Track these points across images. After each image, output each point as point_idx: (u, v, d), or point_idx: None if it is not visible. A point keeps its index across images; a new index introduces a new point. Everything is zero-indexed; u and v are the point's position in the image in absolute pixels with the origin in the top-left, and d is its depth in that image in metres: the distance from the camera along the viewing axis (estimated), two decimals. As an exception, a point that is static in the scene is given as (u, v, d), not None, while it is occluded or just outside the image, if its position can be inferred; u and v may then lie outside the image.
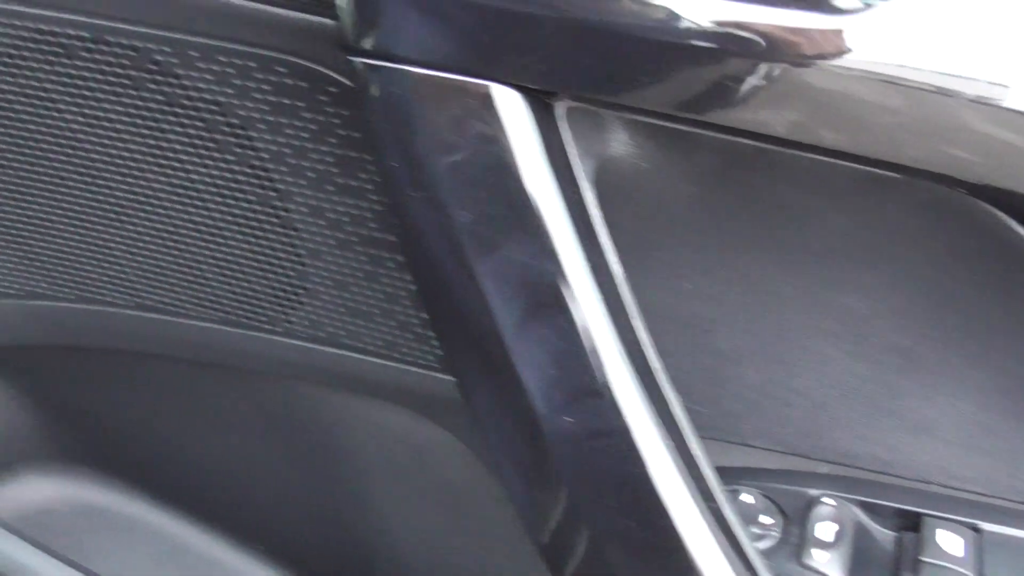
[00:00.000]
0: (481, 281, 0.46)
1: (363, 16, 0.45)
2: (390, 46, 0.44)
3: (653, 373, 0.47)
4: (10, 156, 0.69)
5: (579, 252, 0.45)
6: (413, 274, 0.51)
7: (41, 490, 0.92)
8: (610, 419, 0.45)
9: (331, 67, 0.55)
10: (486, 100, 0.44)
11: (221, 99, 0.61)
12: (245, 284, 0.69)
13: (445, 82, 0.44)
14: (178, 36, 0.59)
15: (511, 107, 0.44)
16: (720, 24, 0.43)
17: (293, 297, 0.69)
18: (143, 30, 0.59)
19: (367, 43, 0.45)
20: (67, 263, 0.74)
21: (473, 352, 0.48)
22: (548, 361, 0.46)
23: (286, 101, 0.59)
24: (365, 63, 0.45)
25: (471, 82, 0.43)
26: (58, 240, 0.73)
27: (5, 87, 0.65)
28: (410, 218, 0.46)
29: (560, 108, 0.45)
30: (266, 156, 0.62)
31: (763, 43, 0.42)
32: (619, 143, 0.49)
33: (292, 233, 0.65)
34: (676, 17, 0.43)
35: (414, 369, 0.67)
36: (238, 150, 0.63)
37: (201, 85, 0.61)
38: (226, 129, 0.62)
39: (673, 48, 0.42)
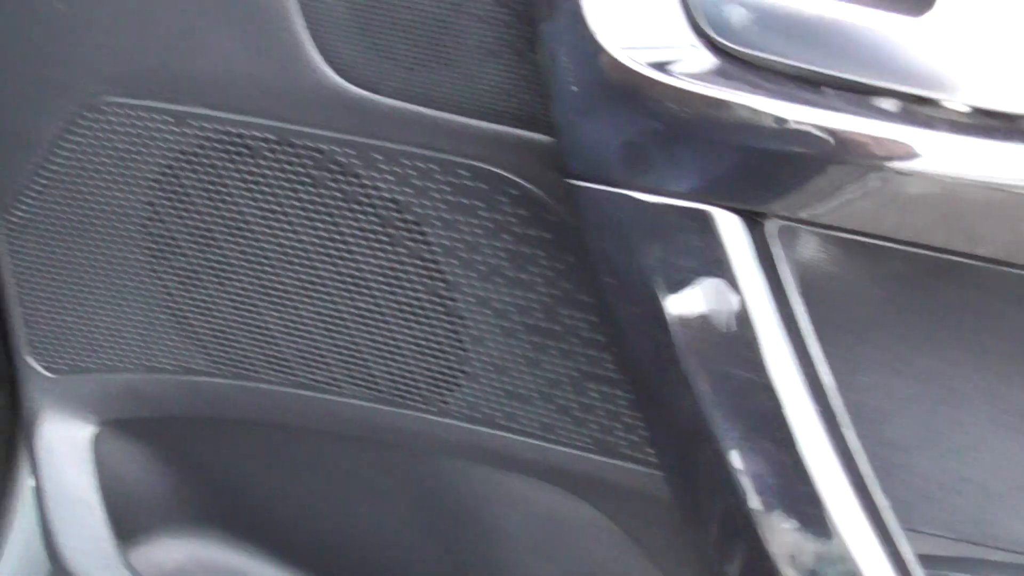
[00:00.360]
0: (698, 390, 0.48)
1: (584, 143, 0.48)
2: (611, 172, 0.47)
3: (865, 481, 0.49)
4: (182, 242, 0.73)
5: (794, 365, 0.47)
6: (626, 375, 0.54)
7: (178, 552, 0.95)
8: (827, 527, 0.47)
9: (517, 173, 0.58)
10: (705, 222, 0.47)
11: (399, 197, 0.64)
12: (403, 366, 0.72)
13: (664, 206, 0.47)
14: (364, 140, 0.62)
15: (728, 228, 0.47)
16: (910, 153, 0.45)
17: (451, 379, 0.71)
18: (329, 134, 0.63)
19: (587, 168, 0.48)
20: (227, 342, 0.77)
21: (687, 453, 0.50)
22: (765, 469, 0.48)
23: (464, 201, 0.62)
24: (584, 186, 0.48)
25: (690, 206, 0.46)
26: (220, 320, 0.76)
27: (186, 182, 0.69)
28: (627, 330, 0.49)
29: (771, 226, 0.47)
30: (438, 250, 0.65)
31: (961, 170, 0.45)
32: (810, 249, 0.51)
33: (456, 320, 0.68)
34: (878, 150, 0.45)
35: (569, 450, 0.70)
36: (410, 244, 0.66)
37: (380, 184, 0.64)
38: (400, 224, 0.65)
39: (883, 176, 0.45)
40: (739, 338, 0.47)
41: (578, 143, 0.48)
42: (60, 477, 0.85)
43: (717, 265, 0.47)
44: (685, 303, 0.48)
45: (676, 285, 0.48)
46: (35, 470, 0.86)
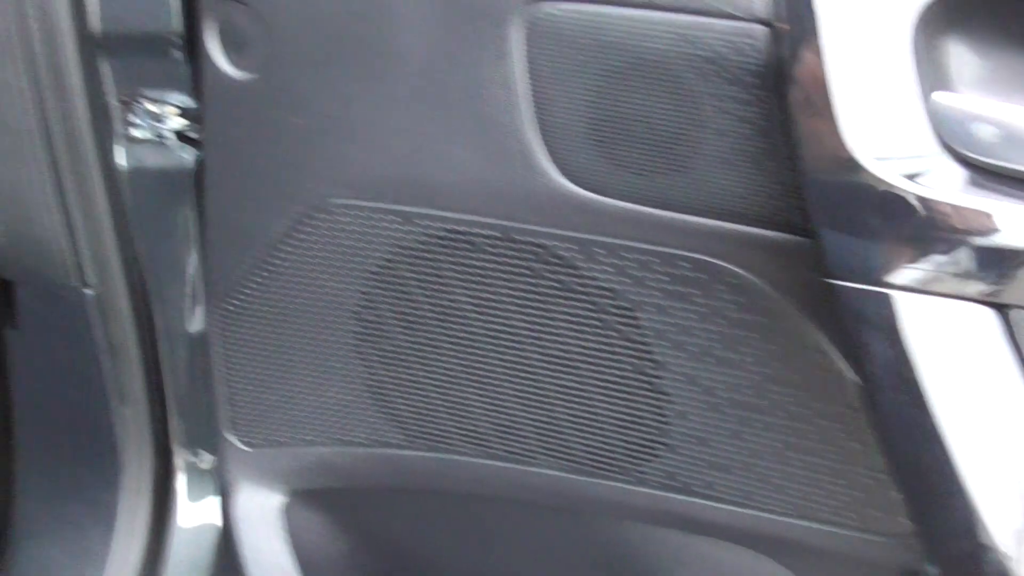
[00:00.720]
0: (960, 468, 0.53)
1: (843, 247, 0.53)
2: (870, 273, 0.52)
3: None
4: (392, 327, 0.78)
5: None
6: (887, 454, 0.58)
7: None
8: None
9: (739, 264, 0.63)
10: (959, 315, 0.52)
11: (616, 286, 0.69)
12: (602, 438, 0.77)
13: (921, 302, 0.51)
14: (586, 236, 0.67)
15: (981, 320, 0.52)
16: None
17: (650, 451, 0.75)
18: (553, 231, 0.68)
19: (846, 269, 0.53)
20: (425, 417, 0.82)
21: (949, 524, 0.55)
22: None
23: (681, 289, 0.67)
24: (843, 286, 0.53)
25: (945, 302, 0.51)
26: (420, 397, 0.81)
27: (405, 273, 0.74)
28: (891, 414, 0.54)
29: (1016, 315, 0.52)
30: (649, 333, 0.70)
31: None
32: None
33: (661, 396, 0.73)
34: None
35: (766, 515, 0.74)
36: (622, 328, 0.71)
37: (598, 275, 0.69)
38: (613, 310, 0.70)
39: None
40: (997, 417, 0.52)
41: (837, 247, 0.53)
42: (257, 545, 0.90)
43: (973, 352, 0.52)
44: (946, 388, 0.53)
45: (936, 372, 0.53)
46: (231, 538, 0.91)
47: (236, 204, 0.76)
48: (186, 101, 0.84)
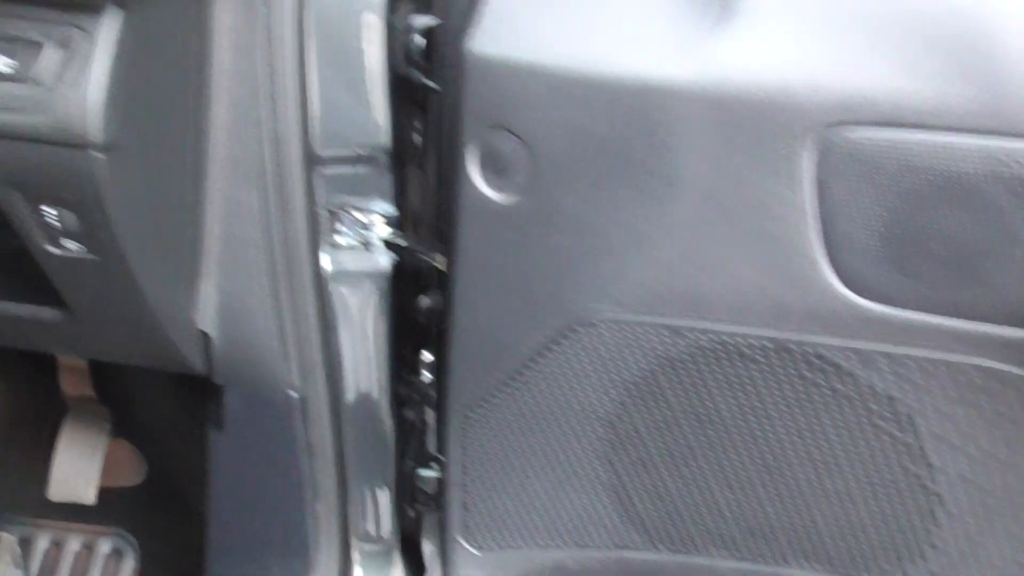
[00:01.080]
0: None
1: None
2: None
3: None
4: (645, 435, 0.78)
5: None
6: None
7: None
8: None
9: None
10: None
11: (895, 394, 0.69)
12: (863, 539, 0.76)
13: None
14: (869, 346, 0.68)
15: None
16: None
17: (917, 552, 0.75)
18: (831, 341, 0.68)
19: None
20: (670, 520, 0.82)
21: None
22: None
23: (968, 396, 0.67)
24: None
25: None
26: (667, 500, 0.81)
27: (666, 383, 0.75)
28: None
29: None
30: (927, 438, 0.70)
31: None
32: None
33: (933, 499, 0.72)
34: None
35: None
36: (897, 433, 0.71)
37: (877, 383, 0.69)
38: (890, 416, 0.70)
39: None
40: None
41: None
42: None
43: None
44: None
45: None
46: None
47: (489, 319, 0.78)
48: (388, 209, 0.86)
